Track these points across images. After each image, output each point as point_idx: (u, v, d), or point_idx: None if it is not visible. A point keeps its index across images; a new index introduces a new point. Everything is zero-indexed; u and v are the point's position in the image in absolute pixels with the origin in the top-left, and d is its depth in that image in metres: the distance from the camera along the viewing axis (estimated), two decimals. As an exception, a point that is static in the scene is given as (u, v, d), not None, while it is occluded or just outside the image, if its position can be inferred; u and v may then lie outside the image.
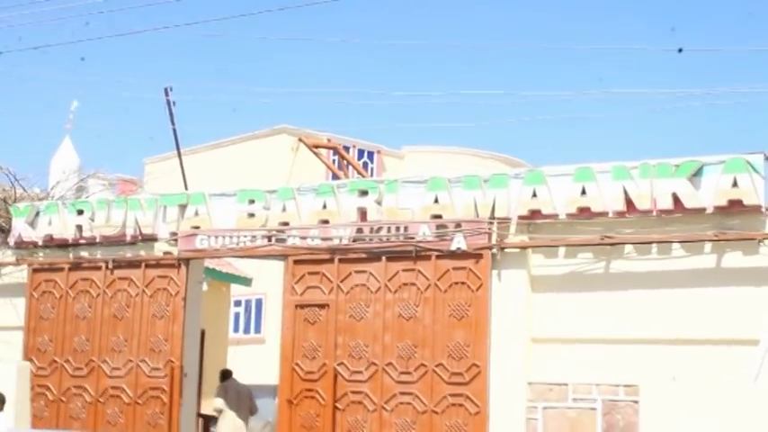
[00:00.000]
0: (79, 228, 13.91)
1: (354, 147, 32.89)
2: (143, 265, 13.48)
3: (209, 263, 17.38)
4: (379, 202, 12.19)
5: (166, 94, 18.78)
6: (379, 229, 12.11)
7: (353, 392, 12.01)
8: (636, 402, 10.49)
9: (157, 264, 13.41)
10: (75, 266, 13.97)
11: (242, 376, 17.90)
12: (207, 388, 17.61)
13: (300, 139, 20.85)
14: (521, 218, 11.44)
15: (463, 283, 11.65)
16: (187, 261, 13.24)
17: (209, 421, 17.33)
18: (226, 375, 17.16)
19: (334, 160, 24.09)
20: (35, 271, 14.25)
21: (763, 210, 10.46)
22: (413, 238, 11.88)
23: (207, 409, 19.12)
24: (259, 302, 30.37)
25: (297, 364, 12.37)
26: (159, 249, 13.45)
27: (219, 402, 16.54)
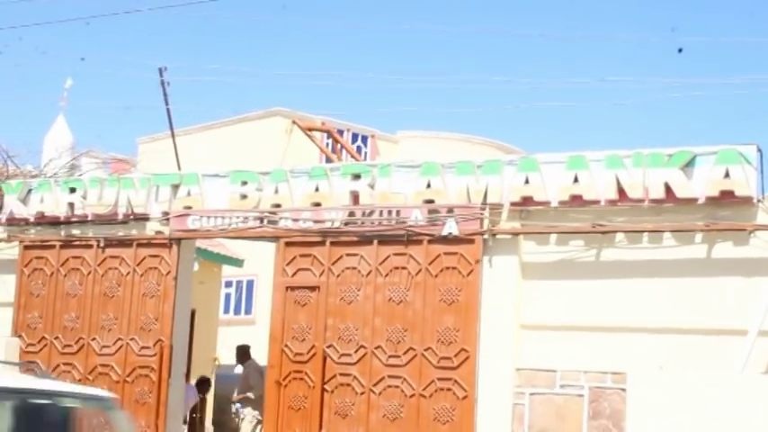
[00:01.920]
0: (71, 206, 13.89)
1: (348, 130, 32.88)
2: (134, 244, 13.47)
3: (200, 243, 17.39)
4: (371, 186, 12.19)
5: (161, 74, 18.80)
6: (372, 212, 12.12)
7: (342, 375, 12.03)
8: (623, 390, 10.52)
9: (149, 243, 13.40)
10: (67, 244, 13.96)
11: (233, 357, 17.87)
12: (196, 368, 17.59)
13: (294, 122, 20.86)
14: (513, 204, 11.45)
15: (454, 268, 11.66)
16: (179, 241, 13.23)
17: (197, 403, 17.29)
18: (247, 354, 16.87)
19: (327, 144, 24.10)
20: (26, 248, 14.23)
21: (755, 201, 10.49)
22: (405, 222, 11.89)
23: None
24: (250, 284, 30.40)
25: (286, 346, 12.39)
26: (151, 229, 13.45)
27: (259, 387, 16.24)
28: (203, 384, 18.56)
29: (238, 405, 16.98)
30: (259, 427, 16.08)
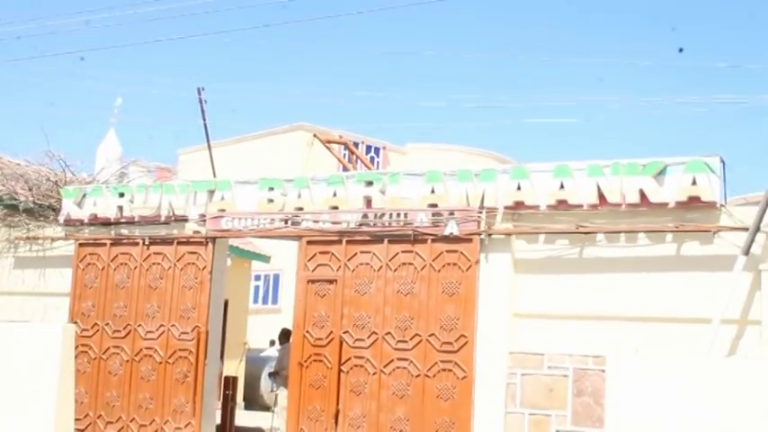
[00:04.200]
0: (120, 208, 14.07)
1: (363, 143, 33.08)
2: (175, 242, 13.63)
3: (233, 241, 17.56)
4: (382, 192, 12.31)
5: (199, 94, 18.98)
6: (382, 215, 12.24)
7: (356, 357, 12.17)
8: (603, 371, 10.58)
9: (188, 241, 13.56)
10: (116, 242, 14.14)
11: (261, 341, 18.00)
12: (228, 351, 17.65)
13: (315, 135, 21.01)
14: (506, 208, 11.54)
15: (455, 264, 11.77)
16: (214, 239, 13.39)
17: (229, 382, 17.45)
18: (288, 337, 16.99)
19: (344, 154, 24.25)
20: (81, 245, 14.41)
21: (718, 205, 10.59)
22: (411, 223, 12.01)
23: (228, 371, 19.24)
24: (276, 277, 30.59)
25: (308, 332, 12.53)
26: (190, 229, 13.60)
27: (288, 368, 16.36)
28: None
29: (271, 381, 17.10)
30: None
